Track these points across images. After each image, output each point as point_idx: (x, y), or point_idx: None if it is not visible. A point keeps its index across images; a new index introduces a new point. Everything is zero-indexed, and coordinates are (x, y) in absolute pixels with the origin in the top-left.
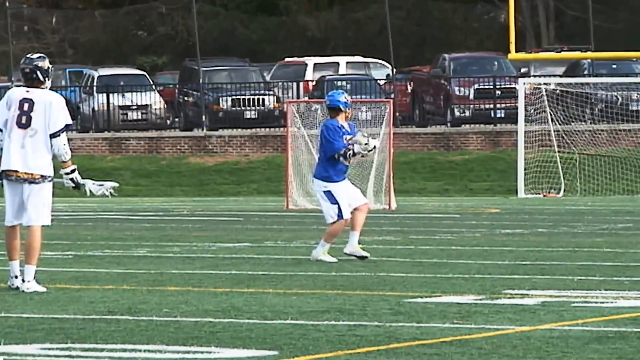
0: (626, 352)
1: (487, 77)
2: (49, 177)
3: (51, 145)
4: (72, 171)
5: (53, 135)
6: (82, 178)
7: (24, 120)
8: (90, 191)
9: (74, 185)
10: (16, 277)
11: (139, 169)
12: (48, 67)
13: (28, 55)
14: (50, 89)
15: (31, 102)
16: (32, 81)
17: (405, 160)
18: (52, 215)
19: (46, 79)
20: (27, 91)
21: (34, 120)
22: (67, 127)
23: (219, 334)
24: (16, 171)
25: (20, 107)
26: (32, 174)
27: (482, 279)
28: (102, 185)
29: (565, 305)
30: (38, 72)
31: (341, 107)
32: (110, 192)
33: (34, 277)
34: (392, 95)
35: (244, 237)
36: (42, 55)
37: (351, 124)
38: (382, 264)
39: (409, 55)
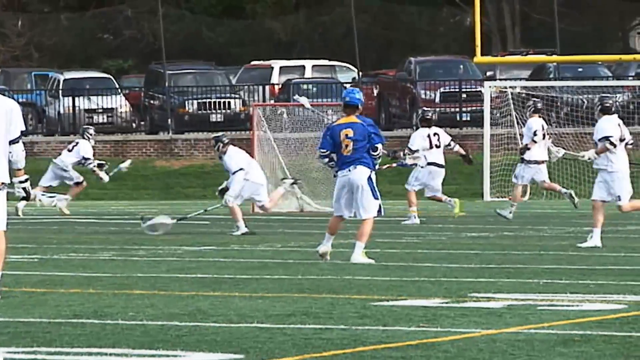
0: (592, 355)
1: (453, 80)
2: (6, 184)
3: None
4: (26, 180)
5: (13, 142)
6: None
7: None
8: (41, 201)
9: (25, 194)
10: None
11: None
12: None
13: None
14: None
15: None
16: None
17: None
18: (18, 219)
19: None
20: None
21: None
22: (22, 133)
23: (185, 338)
24: None
25: None
26: None
27: (448, 282)
28: (52, 197)
29: (531, 308)
30: None
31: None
32: (61, 206)
33: None
34: None
35: (210, 240)
36: None
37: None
38: (348, 267)
39: (375, 58)
